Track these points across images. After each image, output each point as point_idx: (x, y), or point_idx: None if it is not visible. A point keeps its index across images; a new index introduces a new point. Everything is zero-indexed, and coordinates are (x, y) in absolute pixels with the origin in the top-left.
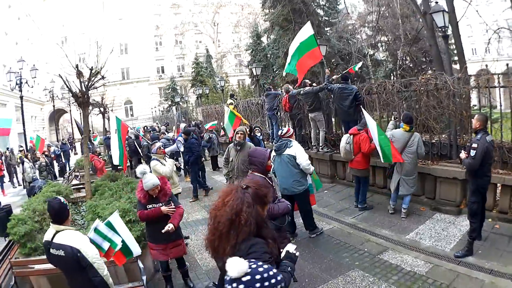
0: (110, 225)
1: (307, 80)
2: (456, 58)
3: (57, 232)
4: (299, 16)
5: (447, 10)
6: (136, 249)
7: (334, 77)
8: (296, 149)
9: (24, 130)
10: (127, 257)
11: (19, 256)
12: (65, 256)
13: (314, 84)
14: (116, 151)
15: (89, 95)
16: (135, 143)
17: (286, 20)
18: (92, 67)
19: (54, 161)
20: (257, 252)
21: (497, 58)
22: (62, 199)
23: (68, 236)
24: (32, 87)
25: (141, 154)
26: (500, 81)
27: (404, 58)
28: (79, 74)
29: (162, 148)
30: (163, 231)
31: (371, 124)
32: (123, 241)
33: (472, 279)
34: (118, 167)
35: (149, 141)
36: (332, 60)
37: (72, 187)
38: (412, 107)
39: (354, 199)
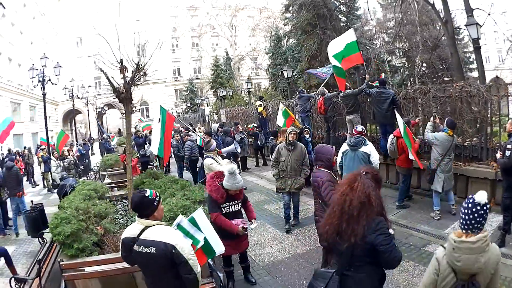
0: (193, 221)
1: (347, 83)
2: (471, 66)
3: (146, 227)
4: (323, 22)
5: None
6: (219, 248)
7: (370, 81)
8: (371, 148)
9: (47, 129)
10: (208, 256)
11: (63, 258)
12: (157, 253)
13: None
14: (156, 141)
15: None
16: None
17: (310, 25)
18: (138, 61)
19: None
20: (383, 228)
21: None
22: (148, 192)
23: (160, 232)
24: (55, 84)
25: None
26: None
27: (421, 65)
28: (124, 69)
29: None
30: (252, 226)
31: (401, 127)
32: (205, 239)
33: (507, 266)
34: (149, 165)
35: (192, 140)
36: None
37: (107, 185)
38: (446, 112)
39: (398, 198)
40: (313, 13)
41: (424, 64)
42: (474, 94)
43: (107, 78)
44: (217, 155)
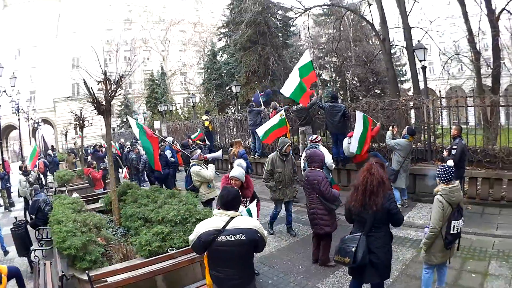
0: (249, 212)
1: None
2: (402, 78)
3: (231, 218)
4: (263, 38)
5: (406, 36)
6: None
7: (319, 96)
8: (323, 151)
9: (1, 144)
10: None
11: (73, 271)
12: (246, 238)
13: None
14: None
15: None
16: (116, 157)
17: (250, 41)
18: (122, 74)
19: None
20: (392, 198)
21: (447, 77)
22: None
23: (244, 220)
24: (10, 96)
25: (129, 167)
26: (466, 102)
27: (352, 79)
28: (107, 81)
29: (202, 154)
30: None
31: (359, 124)
32: None
33: (463, 239)
34: (106, 179)
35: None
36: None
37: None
38: (395, 121)
39: None
40: (254, 30)
41: (356, 78)
42: (419, 106)
43: (88, 89)
44: (203, 162)
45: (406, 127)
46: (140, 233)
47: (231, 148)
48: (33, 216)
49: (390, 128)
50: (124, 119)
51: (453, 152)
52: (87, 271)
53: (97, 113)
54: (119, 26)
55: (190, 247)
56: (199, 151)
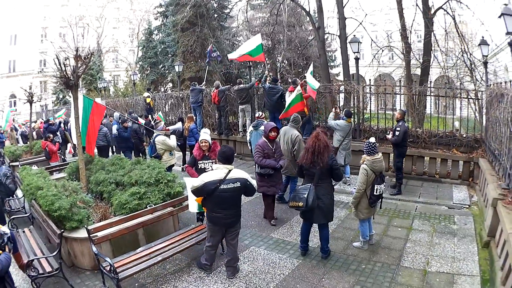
0: None
1: (240, 79)
2: (332, 63)
3: (229, 171)
4: (202, 20)
5: (340, 26)
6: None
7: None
8: None
9: None
10: None
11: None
12: (241, 185)
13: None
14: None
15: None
16: (64, 132)
17: (189, 22)
18: (92, 51)
19: None
20: (334, 158)
21: (377, 65)
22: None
23: (239, 172)
24: None
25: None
26: (393, 90)
27: (282, 61)
28: (78, 57)
29: (165, 126)
30: None
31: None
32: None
33: (389, 203)
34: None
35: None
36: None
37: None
38: (329, 104)
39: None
40: (194, 12)
41: (286, 61)
42: (351, 91)
43: (59, 64)
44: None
45: (344, 110)
46: (115, 196)
47: (179, 122)
48: None
49: (333, 109)
50: (60, 96)
51: (397, 133)
52: (85, 226)
53: (65, 87)
54: (56, 2)
55: (192, 190)
56: (162, 123)
